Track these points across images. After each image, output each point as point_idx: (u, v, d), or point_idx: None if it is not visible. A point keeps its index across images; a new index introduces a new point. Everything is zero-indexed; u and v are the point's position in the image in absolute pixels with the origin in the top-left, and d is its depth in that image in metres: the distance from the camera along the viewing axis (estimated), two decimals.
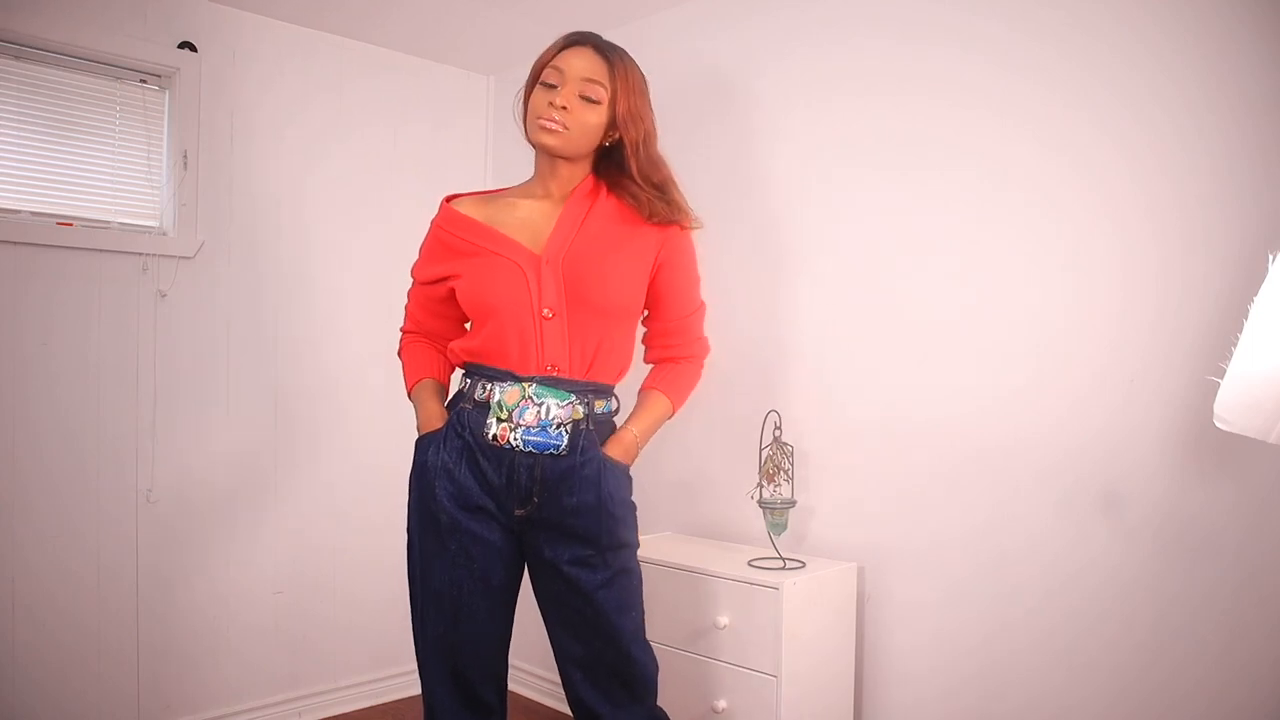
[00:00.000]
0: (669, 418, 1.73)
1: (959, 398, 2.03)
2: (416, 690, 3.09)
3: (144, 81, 2.51)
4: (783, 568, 2.08)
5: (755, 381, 2.39)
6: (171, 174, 2.54)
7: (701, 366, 1.80)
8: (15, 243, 2.28)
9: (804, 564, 2.11)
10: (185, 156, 2.55)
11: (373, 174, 2.94)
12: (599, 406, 1.60)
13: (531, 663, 2.93)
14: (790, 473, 2.16)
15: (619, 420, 1.69)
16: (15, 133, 2.31)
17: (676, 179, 1.70)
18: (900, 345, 2.13)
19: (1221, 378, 1.20)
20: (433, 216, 1.76)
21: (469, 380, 1.62)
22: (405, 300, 1.84)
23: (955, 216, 2.04)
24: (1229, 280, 1.62)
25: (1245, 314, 1.19)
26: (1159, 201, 1.74)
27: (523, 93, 1.67)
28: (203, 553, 2.60)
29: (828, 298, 2.27)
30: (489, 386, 1.56)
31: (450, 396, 1.71)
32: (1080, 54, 1.84)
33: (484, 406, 1.56)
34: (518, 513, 1.56)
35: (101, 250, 2.42)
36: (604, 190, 1.66)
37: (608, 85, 1.59)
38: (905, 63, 2.12)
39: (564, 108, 1.56)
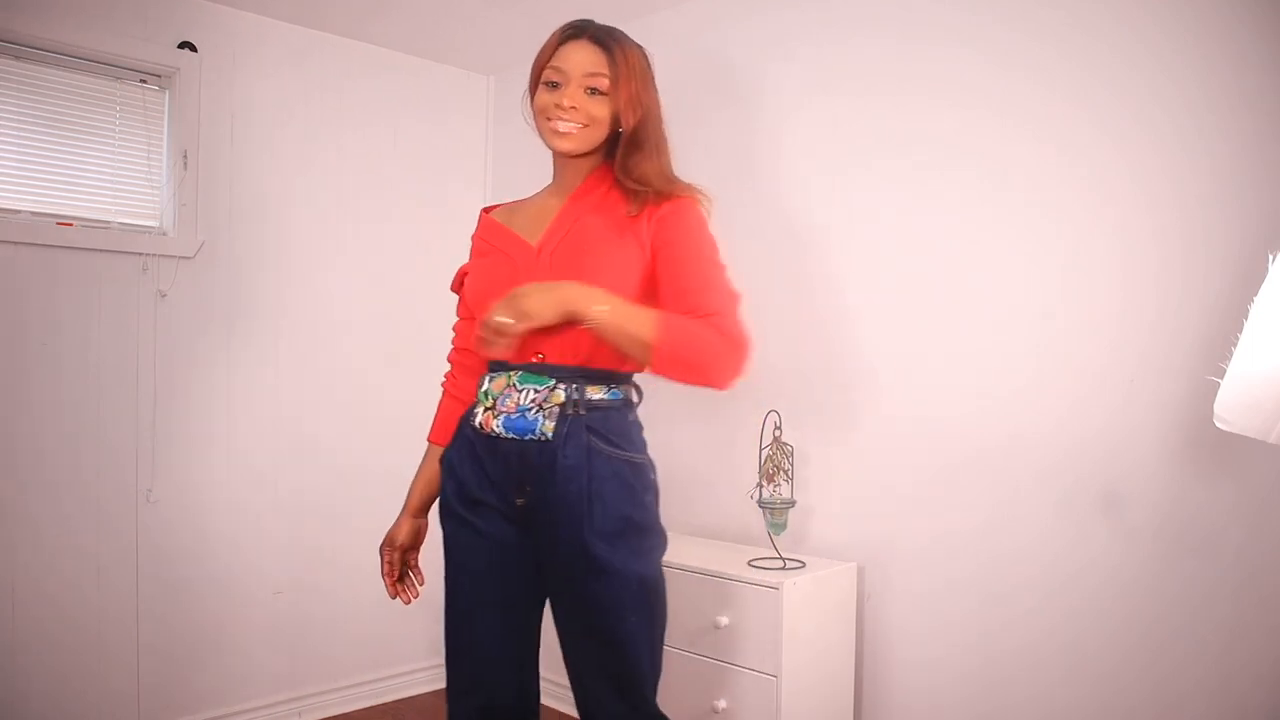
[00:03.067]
0: (651, 330, 1.43)
1: (959, 398, 2.03)
2: (416, 690, 3.10)
3: (144, 81, 2.51)
4: (783, 568, 2.08)
5: (755, 381, 2.38)
6: (171, 174, 2.54)
7: (727, 340, 1.46)
8: (15, 243, 2.28)
9: (804, 564, 2.11)
10: (185, 156, 2.55)
11: (372, 174, 2.94)
12: (594, 393, 1.52)
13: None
14: (790, 473, 2.16)
15: (640, 412, 1.63)
16: (15, 133, 2.31)
17: (672, 169, 1.62)
18: (900, 345, 2.13)
19: (1221, 378, 1.20)
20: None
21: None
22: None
23: (955, 216, 2.04)
24: (1229, 280, 1.62)
25: (1245, 314, 1.18)
26: (1159, 201, 1.74)
27: (528, 94, 1.67)
28: (203, 553, 2.60)
29: (827, 298, 2.27)
30: (485, 379, 1.58)
31: None
32: (1080, 54, 1.84)
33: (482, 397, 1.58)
34: (518, 502, 1.54)
35: (101, 250, 2.41)
36: (610, 180, 1.62)
37: (609, 74, 1.57)
38: (905, 63, 2.12)
39: (572, 107, 1.55)
